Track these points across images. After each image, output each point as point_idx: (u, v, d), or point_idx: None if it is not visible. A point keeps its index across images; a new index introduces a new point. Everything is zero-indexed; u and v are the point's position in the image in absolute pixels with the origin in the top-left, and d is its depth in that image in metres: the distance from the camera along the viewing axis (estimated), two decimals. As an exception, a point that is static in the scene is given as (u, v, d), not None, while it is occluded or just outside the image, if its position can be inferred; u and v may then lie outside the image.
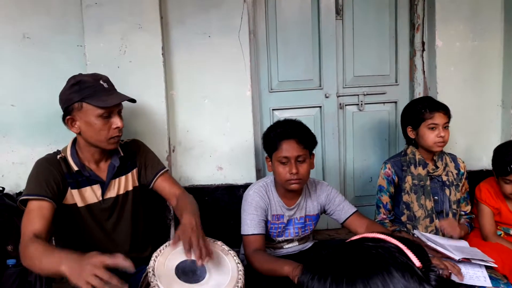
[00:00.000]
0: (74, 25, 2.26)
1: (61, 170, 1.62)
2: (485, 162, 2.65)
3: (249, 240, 1.78)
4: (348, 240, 0.73)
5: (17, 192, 2.21)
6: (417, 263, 0.63)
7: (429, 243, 1.79)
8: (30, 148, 2.29)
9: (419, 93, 2.72)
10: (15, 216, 1.94)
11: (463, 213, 2.17)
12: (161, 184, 1.81)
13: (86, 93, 1.57)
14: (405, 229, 2.11)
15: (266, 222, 1.86)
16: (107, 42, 2.21)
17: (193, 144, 2.44)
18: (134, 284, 1.54)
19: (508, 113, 2.61)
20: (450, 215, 2.07)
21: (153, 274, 1.37)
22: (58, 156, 1.66)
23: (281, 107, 2.68)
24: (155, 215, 2.08)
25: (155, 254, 1.47)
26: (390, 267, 0.61)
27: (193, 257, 1.42)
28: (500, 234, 2.15)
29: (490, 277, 1.68)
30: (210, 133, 2.44)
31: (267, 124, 2.63)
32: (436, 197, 2.09)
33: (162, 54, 2.26)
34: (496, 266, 1.74)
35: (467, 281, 1.63)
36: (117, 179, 1.74)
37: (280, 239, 1.91)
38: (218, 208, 2.45)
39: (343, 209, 1.89)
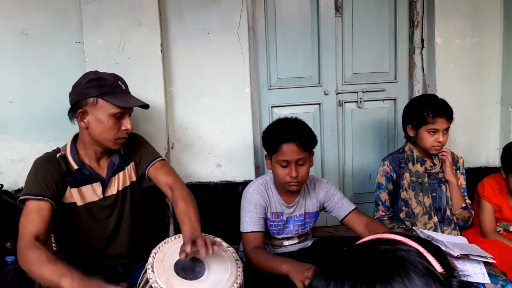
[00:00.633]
0: (73, 21, 2.25)
1: (60, 169, 1.62)
2: (484, 159, 2.66)
3: (248, 238, 1.78)
4: (360, 242, 0.69)
5: (16, 189, 2.21)
6: (438, 268, 0.60)
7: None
8: (29, 145, 2.28)
9: (418, 90, 2.71)
10: (14, 213, 1.94)
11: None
12: (154, 173, 1.77)
13: (105, 90, 1.57)
14: (404, 226, 2.11)
15: (266, 219, 1.86)
16: (106, 38, 2.20)
17: (192, 141, 2.44)
18: (133, 281, 1.54)
19: (507, 110, 2.61)
20: (448, 212, 2.07)
21: (152, 271, 1.37)
22: (58, 155, 1.65)
23: (280, 104, 2.68)
24: (154, 212, 2.08)
25: (154, 250, 1.46)
26: (411, 273, 0.57)
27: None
28: (499, 231, 2.15)
29: (489, 274, 1.68)
30: (209, 130, 2.44)
31: (266, 121, 2.63)
32: (434, 194, 2.10)
33: (161, 50, 2.26)
34: (494, 262, 1.74)
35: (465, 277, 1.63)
36: (116, 176, 1.74)
37: (280, 236, 1.91)
38: (217, 205, 2.45)
39: (342, 207, 1.89)
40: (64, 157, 1.65)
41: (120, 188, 1.74)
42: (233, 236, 2.02)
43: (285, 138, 1.71)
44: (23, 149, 2.29)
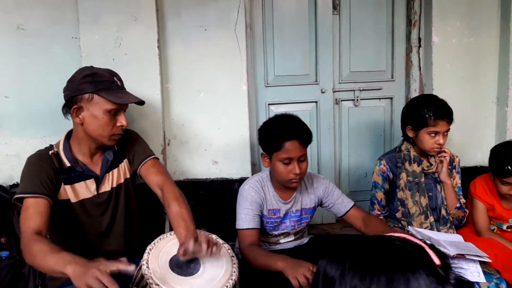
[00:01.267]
0: (69, 16, 2.24)
1: (53, 166, 1.61)
2: (479, 158, 2.67)
3: (244, 235, 1.78)
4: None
5: (11, 184, 2.20)
6: (436, 261, 0.62)
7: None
8: (24, 141, 2.27)
9: (415, 89, 2.72)
10: (9, 208, 1.93)
11: (458, 205, 2.17)
12: (145, 171, 1.75)
13: (101, 86, 1.56)
14: (400, 225, 2.12)
15: (262, 216, 1.86)
16: (103, 34, 2.20)
17: (188, 137, 2.44)
18: (128, 277, 1.54)
19: (503, 110, 2.62)
20: (443, 211, 2.07)
21: (147, 267, 1.36)
22: (50, 152, 1.64)
23: (277, 102, 2.68)
24: (150, 209, 2.07)
25: (149, 247, 1.46)
26: (414, 262, 0.60)
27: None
28: (493, 229, 2.16)
29: (483, 272, 1.69)
30: (205, 127, 2.43)
31: (262, 118, 2.63)
32: (430, 193, 2.10)
33: (158, 46, 2.25)
34: (490, 261, 1.75)
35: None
36: (110, 173, 1.72)
37: (276, 232, 1.91)
38: (213, 202, 2.45)
39: (342, 203, 1.90)
40: (57, 154, 1.64)
41: (114, 185, 1.73)
42: (229, 233, 2.02)
43: (288, 135, 1.70)
44: (18, 145, 2.28)
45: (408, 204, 2.08)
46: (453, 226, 2.10)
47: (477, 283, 1.68)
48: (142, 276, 1.36)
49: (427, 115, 1.98)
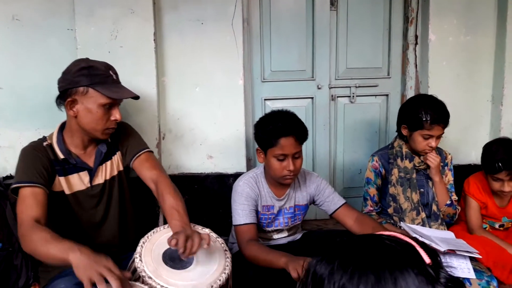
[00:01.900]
0: (65, 7, 2.22)
1: (48, 157, 1.60)
2: (473, 156, 2.68)
3: (242, 230, 1.77)
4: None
5: (4, 176, 2.19)
6: (427, 259, 0.62)
7: (414, 235, 1.80)
8: (18, 132, 2.26)
9: (410, 86, 2.73)
10: (1, 200, 1.92)
11: (449, 202, 2.18)
12: (139, 166, 1.74)
13: (96, 79, 1.55)
14: (392, 221, 2.13)
15: (256, 212, 1.86)
16: (98, 26, 2.18)
17: (183, 132, 2.43)
18: (121, 270, 1.54)
19: (498, 108, 2.63)
20: (434, 207, 2.09)
21: (140, 260, 1.37)
22: (44, 143, 1.63)
23: (273, 97, 2.67)
24: (144, 202, 2.07)
25: (142, 240, 1.46)
26: (403, 261, 0.60)
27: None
28: (486, 227, 2.18)
29: (474, 269, 1.71)
30: (201, 121, 2.43)
31: (258, 113, 2.63)
32: (422, 190, 2.11)
33: (154, 40, 2.24)
34: (480, 257, 1.77)
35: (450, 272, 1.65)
36: (103, 165, 1.72)
37: (269, 229, 1.92)
38: (208, 197, 2.45)
39: (332, 201, 1.90)
40: (51, 146, 1.64)
41: (108, 178, 1.73)
42: (223, 227, 2.03)
43: (284, 131, 1.70)
44: (12, 136, 2.27)
45: (400, 200, 2.09)
46: (444, 223, 2.11)
47: (468, 280, 1.69)
48: (135, 269, 1.37)
49: (423, 118, 1.98)
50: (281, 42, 2.62)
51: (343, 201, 1.90)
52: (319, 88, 2.70)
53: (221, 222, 2.13)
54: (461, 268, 1.68)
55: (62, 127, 1.69)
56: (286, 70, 2.66)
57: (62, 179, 1.63)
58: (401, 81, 2.79)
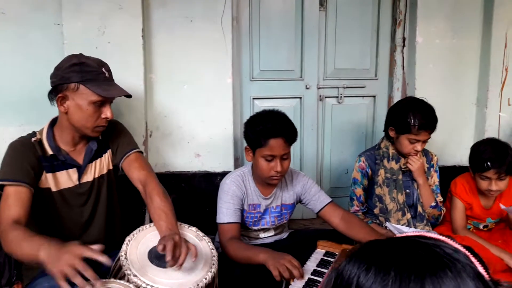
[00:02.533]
0: (52, 2, 2.19)
1: (36, 153, 1.58)
2: (458, 158, 2.72)
3: (225, 229, 1.78)
4: (399, 236, 0.63)
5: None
6: (484, 274, 0.55)
7: (400, 235, 1.82)
8: (2, 127, 2.21)
9: (397, 88, 2.75)
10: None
11: (433, 204, 2.21)
12: (128, 165, 1.73)
13: (87, 76, 1.53)
14: (378, 221, 2.15)
15: (242, 211, 1.86)
16: (86, 21, 2.15)
17: (171, 129, 2.42)
18: (106, 268, 1.52)
19: (482, 111, 2.67)
20: (420, 208, 2.11)
21: (126, 258, 1.36)
22: (33, 139, 1.60)
23: (261, 97, 2.67)
24: (130, 201, 2.05)
25: (128, 238, 1.45)
26: (462, 273, 0.52)
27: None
28: (470, 228, 2.21)
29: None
30: (189, 119, 2.42)
31: (247, 112, 2.63)
32: (407, 191, 2.13)
33: (142, 36, 2.22)
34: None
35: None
36: (93, 163, 1.70)
37: (256, 228, 1.92)
38: (195, 195, 2.44)
39: (318, 199, 1.90)
40: (40, 141, 1.61)
41: (97, 176, 1.71)
42: (210, 226, 2.01)
43: (273, 133, 1.70)
44: (-5, 132, 2.22)
45: (386, 201, 2.11)
46: (429, 224, 2.14)
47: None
48: (120, 267, 1.35)
49: (411, 123, 1.99)
50: (270, 41, 2.62)
51: (329, 199, 1.91)
52: (307, 88, 2.71)
53: (208, 221, 2.11)
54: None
55: (53, 122, 1.66)
56: (275, 69, 2.66)
57: (49, 175, 1.60)
58: (388, 82, 2.82)
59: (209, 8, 2.34)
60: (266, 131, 1.71)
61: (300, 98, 2.72)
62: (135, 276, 1.30)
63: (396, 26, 2.72)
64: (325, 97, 2.75)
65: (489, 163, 1.99)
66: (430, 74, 2.62)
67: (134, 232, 1.49)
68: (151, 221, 1.58)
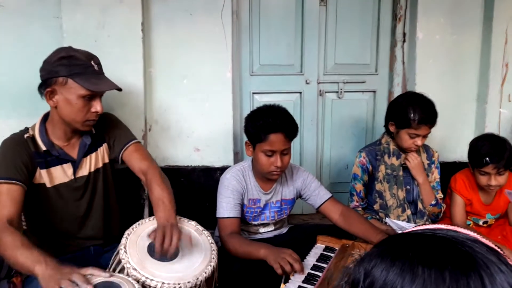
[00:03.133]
0: (51, -6, 2.17)
1: (28, 150, 1.56)
2: (458, 154, 2.72)
3: (225, 223, 1.78)
4: (420, 227, 0.62)
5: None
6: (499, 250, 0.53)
7: (400, 231, 1.82)
8: (1, 120, 2.20)
9: (397, 83, 2.75)
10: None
11: (433, 202, 2.21)
12: (128, 157, 1.73)
13: (75, 70, 1.50)
14: (377, 217, 2.15)
15: (242, 206, 1.86)
16: (85, 14, 2.14)
17: (170, 123, 2.41)
18: (105, 262, 1.52)
19: (483, 107, 2.67)
20: (420, 205, 2.11)
21: (125, 252, 1.35)
22: (26, 135, 1.59)
23: (261, 91, 2.66)
24: (129, 194, 2.05)
25: (127, 232, 1.45)
26: (491, 267, 0.50)
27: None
28: (470, 224, 2.21)
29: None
30: (188, 114, 2.41)
31: (246, 107, 2.62)
32: (408, 187, 2.13)
33: (142, 30, 2.21)
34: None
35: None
36: (88, 157, 1.69)
37: (256, 222, 1.92)
38: (194, 190, 2.43)
39: (318, 195, 1.90)
40: (33, 137, 1.60)
41: (92, 170, 1.70)
42: (209, 221, 2.01)
43: (273, 128, 1.69)
44: (-6, 125, 2.21)
45: (386, 197, 2.11)
46: (430, 220, 2.14)
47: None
48: (120, 261, 1.35)
49: (411, 118, 1.98)
50: (270, 35, 2.61)
51: (329, 195, 1.91)
52: (307, 83, 2.70)
53: (208, 216, 2.11)
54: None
55: (45, 118, 1.65)
56: (274, 64, 2.65)
57: (43, 171, 1.59)
58: (389, 78, 2.81)
59: (209, 2, 2.33)
60: (266, 126, 1.70)
61: (300, 93, 2.71)
62: (135, 269, 1.30)
63: (396, 21, 2.71)
64: (325, 92, 2.75)
65: (487, 159, 1.99)
66: (430, 70, 2.62)
67: (134, 225, 1.49)
68: (150, 215, 1.58)
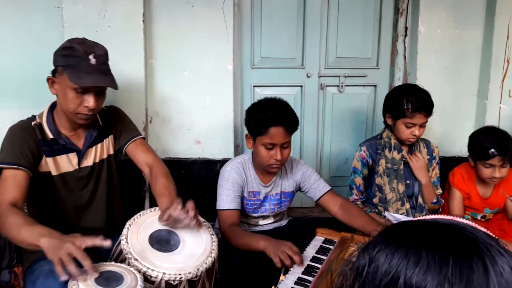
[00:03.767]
0: (52, -16, 2.16)
1: (35, 137, 1.57)
2: (458, 149, 2.73)
3: (225, 215, 1.79)
4: (420, 218, 0.63)
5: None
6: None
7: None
8: (3, 111, 2.20)
9: (399, 78, 2.75)
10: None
11: None
12: (133, 150, 1.76)
13: (70, 62, 1.50)
14: (376, 210, 2.16)
15: (242, 198, 1.86)
16: (86, 4, 2.13)
17: (171, 116, 2.41)
18: (107, 252, 1.53)
19: (483, 102, 2.67)
20: (420, 199, 2.12)
21: (126, 242, 1.36)
22: (33, 123, 1.60)
23: (262, 84, 2.66)
24: (130, 186, 2.06)
25: (128, 222, 1.45)
26: (492, 250, 0.51)
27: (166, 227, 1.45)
28: (468, 219, 2.22)
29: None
30: (189, 106, 2.41)
31: (247, 100, 2.62)
32: (408, 181, 2.14)
33: (143, 21, 2.20)
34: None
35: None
36: (93, 148, 1.70)
37: (255, 215, 1.93)
38: (194, 182, 2.44)
39: (317, 187, 1.91)
40: (40, 125, 1.60)
41: (97, 160, 1.71)
42: (209, 213, 2.01)
43: (274, 121, 1.69)
44: (-5, 115, 2.21)
45: (386, 190, 2.12)
46: (428, 214, 2.15)
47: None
48: (121, 251, 1.36)
49: (405, 107, 2.00)
50: (272, 28, 2.60)
51: (329, 187, 1.92)
52: (308, 77, 2.70)
53: (208, 208, 2.11)
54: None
55: (53, 106, 1.65)
56: (276, 57, 2.64)
57: (49, 159, 1.60)
58: (390, 72, 2.81)
59: (210, -6, 2.32)
60: (267, 119, 1.70)
61: (301, 86, 2.71)
62: (136, 260, 1.31)
63: (398, 15, 2.70)
64: (326, 85, 2.74)
65: (493, 151, 1.99)
66: (432, 64, 2.61)
67: (135, 216, 1.49)
68: (151, 206, 1.59)
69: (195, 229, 1.48)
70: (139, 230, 1.43)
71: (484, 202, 2.19)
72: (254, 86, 2.65)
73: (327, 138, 2.83)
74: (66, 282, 1.20)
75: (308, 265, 1.47)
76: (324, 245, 1.62)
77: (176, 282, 1.31)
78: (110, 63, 1.65)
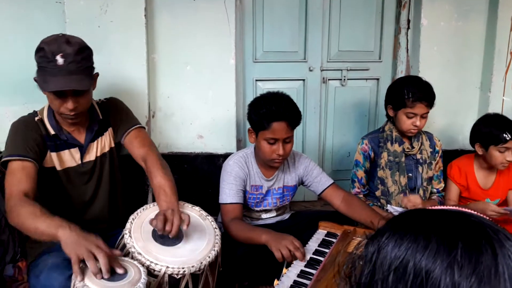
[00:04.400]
0: (53, -21, 2.16)
1: (40, 132, 1.58)
2: (460, 142, 2.72)
3: (227, 209, 1.79)
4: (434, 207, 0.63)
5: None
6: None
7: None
8: (5, 107, 2.21)
9: (401, 71, 2.74)
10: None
11: (435, 190, 2.23)
12: (129, 143, 1.73)
13: (41, 64, 1.46)
14: (379, 203, 2.16)
15: (244, 192, 1.87)
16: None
17: (173, 110, 2.41)
18: (110, 246, 1.54)
19: (486, 95, 2.66)
20: (421, 192, 2.12)
21: (130, 236, 1.37)
22: (36, 118, 1.60)
23: (264, 78, 2.66)
24: (133, 180, 2.06)
25: (132, 216, 1.46)
26: (499, 235, 0.52)
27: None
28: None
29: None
30: (191, 100, 2.41)
31: (250, 94, 2.62)
32: (410, 174, 2.14)
33: (145, 15, 2.20)
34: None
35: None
36: (95, 142, 1.70)
37: (258, 209, 1.93)
38: (197, 176, 2.45)
39: (320, 181, 1.92)
40: (42, 121, 1.61)
41: (99, 154, 1.71)
42: (212, 207, 2.02)
43: (277, 116, 1.69)
44: (-2, 111, 2.22)
45: (388, 183, 2.12)
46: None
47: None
48: (124, 246, 1.37)
49: (406, 96, 2.00)
50: (274, 22, 2.59)
51: (331, 181, 1.92)
52: (310, 70, 2.69)
53: (211, 202, 2.12)
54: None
55: None
56: (278, 51, 2.64)
57: (54, 154, 1.61)
58: (392, 65, 2.80)
59: (212, -13, 2.31)
60: (269, 114, 1.70)
61: (303, 80, 2.70)
62: (139, 254, 1.32)
63: (401, 8, 2.69)
64: (329, 79, 2.74)
65: (508, 133, 1.98)
66: (434, 57, 2.60)
67: (138, 210, 1.50)
68: (154, 201, 1.59)
69: (198, 223, 1.49)
70: (142, 224, 1.44)
71: (485, 193, 2.18)
72: (256, 80, 2.65)
73: (330, 131, 2.83)
74: (69, 276, 1.21)
75: (310, 258, 1.48)
76: (326, 238, 1.62)
77: (179, 276, 1.32)
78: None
